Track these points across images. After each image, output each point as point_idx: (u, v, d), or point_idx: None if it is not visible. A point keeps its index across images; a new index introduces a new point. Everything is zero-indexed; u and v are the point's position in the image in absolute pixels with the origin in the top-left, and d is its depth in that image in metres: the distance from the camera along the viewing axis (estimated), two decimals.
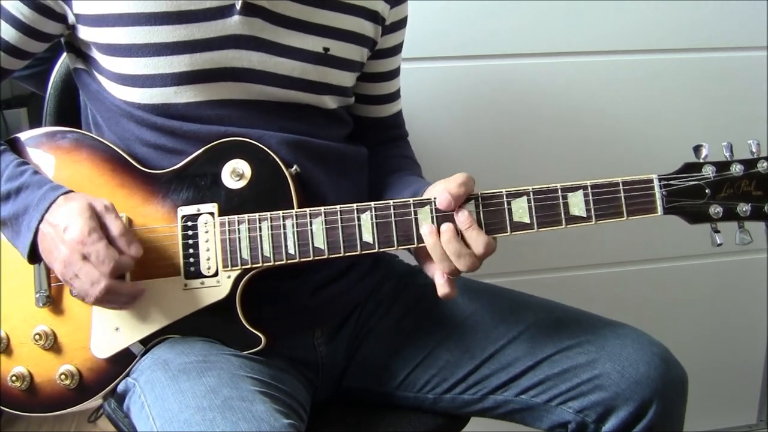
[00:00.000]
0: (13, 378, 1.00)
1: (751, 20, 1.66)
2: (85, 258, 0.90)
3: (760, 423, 1.98)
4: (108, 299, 0.92)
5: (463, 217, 0.93)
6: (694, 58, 1.67)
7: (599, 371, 1.03)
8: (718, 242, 0.93)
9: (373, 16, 1.09)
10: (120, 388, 0.99)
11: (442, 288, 0.95)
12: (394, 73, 1.21)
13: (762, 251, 1.79)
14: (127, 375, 0.98)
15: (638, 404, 1.01)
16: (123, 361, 0.98)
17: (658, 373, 1.02)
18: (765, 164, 0.91)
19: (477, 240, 0.92)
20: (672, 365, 1.04)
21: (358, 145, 1.14)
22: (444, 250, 0.92)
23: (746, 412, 1.98)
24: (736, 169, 0.92)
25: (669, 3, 1.62)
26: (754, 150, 0.92)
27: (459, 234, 0.93)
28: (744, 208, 0.92)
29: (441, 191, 0.93)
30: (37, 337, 0.99)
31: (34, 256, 0.94)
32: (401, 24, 1.16)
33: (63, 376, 0.98)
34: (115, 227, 0.92)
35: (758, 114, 1.70)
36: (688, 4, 1.63)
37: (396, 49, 1.18)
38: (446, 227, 0.93)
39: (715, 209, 0.92)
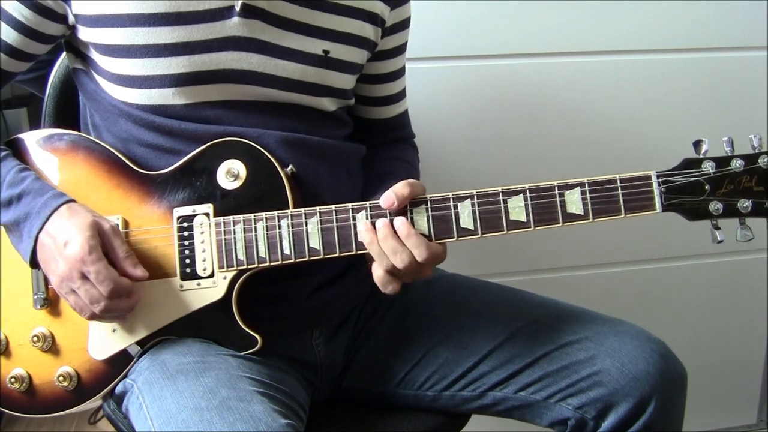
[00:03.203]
0: (12, 380, 1.00)
1: (751, 20, 1.66)
2: (84, 276, 0.90)
3: (760, 423, 1.97)
4: (106, 317, 0.94)
5: (398, 223, 0.92)
6: (694, 58, 1.66)
7: (598, 368, 1.03)
8: (719, 239, 0.91)
9: (372, 18, 1.09)
10: (118, 389, 0.99)
11: (380, 279, 0.94)
12: (398, 74, 1.20)
13: (762, 251, 1.79)
14: (125, 376, 0.98)
15: (637, 401, 1.01)
16: (120, 362, 0.98)
17: (656, 369, 1.02)
18: (766, 159, 0.89)
19: (418, 248, 0.91)
20: (671, 362, 1.04)
21: (358, 143, 1.14)
22: (381, 247, 0.92)
23: (746, 412, 1.97)
24: (737, 164, 0.90)
25: (669, 3, 1.61)
26: (755, 145, 0.90)
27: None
28: (745, 204, 0.90)
29: (387, 191, 0.93)
30: (35, 338, 0.99)
31: (35, 262, 0.95)
32: (403, 25, 1.15)
33: (61, 378, 0.99)
34: (120, 250, 0.93)
35: (758, 114, 1.69)
36: (688, 4, 1.62)
37: (398, 50, 1.17)
38: (381, 223, 0.92)
39: (715, 206, 0.90)
